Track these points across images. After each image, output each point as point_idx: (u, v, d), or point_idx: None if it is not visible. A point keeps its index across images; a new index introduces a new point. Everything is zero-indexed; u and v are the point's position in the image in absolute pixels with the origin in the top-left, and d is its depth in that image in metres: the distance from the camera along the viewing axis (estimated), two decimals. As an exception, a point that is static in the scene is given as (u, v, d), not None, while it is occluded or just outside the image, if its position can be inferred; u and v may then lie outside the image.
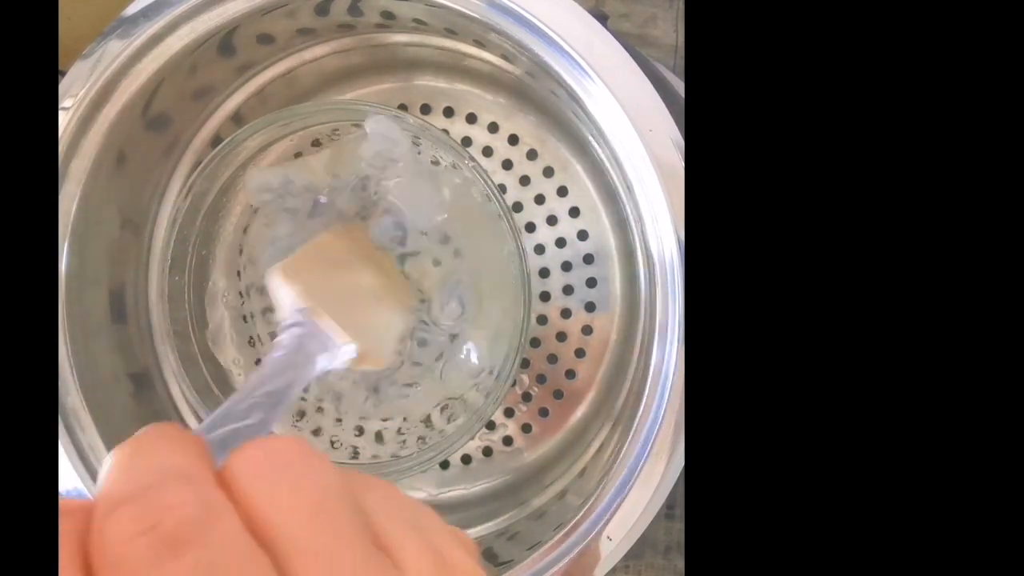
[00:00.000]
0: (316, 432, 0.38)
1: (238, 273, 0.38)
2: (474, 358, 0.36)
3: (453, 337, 0.36)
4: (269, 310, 0.38)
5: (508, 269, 0.34)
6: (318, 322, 0.28)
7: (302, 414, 0.38)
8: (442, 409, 0.37)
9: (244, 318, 0.38)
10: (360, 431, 0.38)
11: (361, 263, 0.33)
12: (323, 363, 0.28)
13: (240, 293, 0.38)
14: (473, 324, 0.36)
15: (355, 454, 0.37)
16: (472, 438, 0.35)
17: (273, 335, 0.38)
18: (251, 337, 0.38)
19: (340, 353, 0.28)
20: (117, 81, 0.33)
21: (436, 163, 0.35)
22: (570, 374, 0.38)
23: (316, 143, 0.37)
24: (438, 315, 0.36)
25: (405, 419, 0.37)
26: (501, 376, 0.33)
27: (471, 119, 0.39)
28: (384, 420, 0.37)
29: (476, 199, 0.34)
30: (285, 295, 0.29)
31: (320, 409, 0.38)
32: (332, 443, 0.38)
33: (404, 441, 0.37)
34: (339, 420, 0.38)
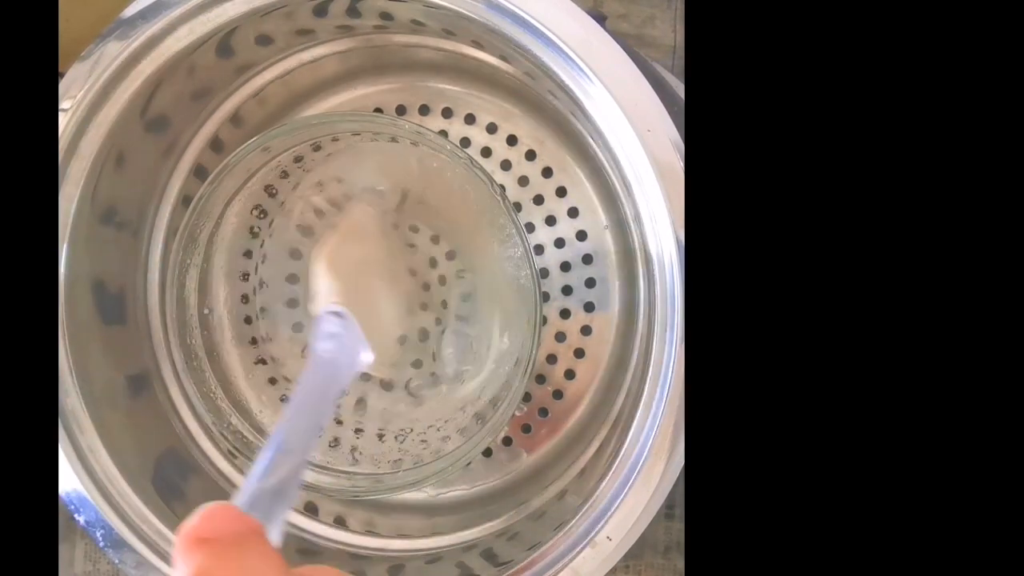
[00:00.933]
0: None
1: (244, 275, 0.38)
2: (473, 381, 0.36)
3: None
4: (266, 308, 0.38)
5: (517, 286, 0.34)
6: (352, 326, 0.28)
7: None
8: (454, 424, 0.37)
9: (251, 341, 0.38)
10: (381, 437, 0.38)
11: (385, 257, 0.32)
12: (353, 371, 0.28)
13: (244, 296, 0.38)
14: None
15: (354, 460, 0.37)
16: (476, 454, 0.35)
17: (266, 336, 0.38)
18: (254, 337, 0.38)
19: (362, 360, 0.28)
20: (116, 82, 0.33)
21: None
22: (569, 374, 0.38)
23: (298, 159, 0.37)
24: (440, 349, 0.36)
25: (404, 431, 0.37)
26: (512, 388, 0.34)
27: (470, 120, 0.39)
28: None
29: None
30: (325, 288, 0.29)
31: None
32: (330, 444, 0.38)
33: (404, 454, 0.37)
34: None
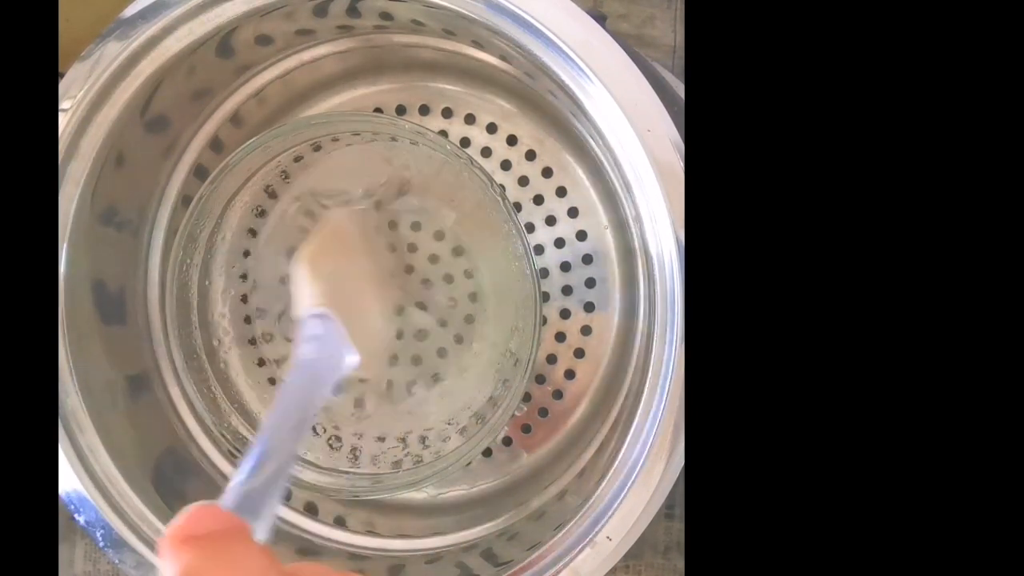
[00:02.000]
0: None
1: (243, 275, 0.38)
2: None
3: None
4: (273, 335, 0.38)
5: (518, 286, 0.34)
6: (336, 328, 0.28)
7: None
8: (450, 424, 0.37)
9: (251, 340, 0.38)
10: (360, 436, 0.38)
11: (368, 259, 0.32)
12: (338, 374, 0.28)
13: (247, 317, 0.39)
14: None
15: (354, 460, 0.37)
16: (475, 455, 0.35)
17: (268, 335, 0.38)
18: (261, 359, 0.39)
19: (348, 362, 0.28)
20: (116, 82, 0.33)
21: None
22: (569, 374, 0.38)
23: (298, 159, 0.37)
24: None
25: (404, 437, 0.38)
26: (512, 388, 0.34)
27: (470, 120, 0.39)
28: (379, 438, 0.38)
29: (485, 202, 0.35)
30: (306, 291, 0.29)
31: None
32: (330, 444, 0.38)
33: (407, 455, 0.37)
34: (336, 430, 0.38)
